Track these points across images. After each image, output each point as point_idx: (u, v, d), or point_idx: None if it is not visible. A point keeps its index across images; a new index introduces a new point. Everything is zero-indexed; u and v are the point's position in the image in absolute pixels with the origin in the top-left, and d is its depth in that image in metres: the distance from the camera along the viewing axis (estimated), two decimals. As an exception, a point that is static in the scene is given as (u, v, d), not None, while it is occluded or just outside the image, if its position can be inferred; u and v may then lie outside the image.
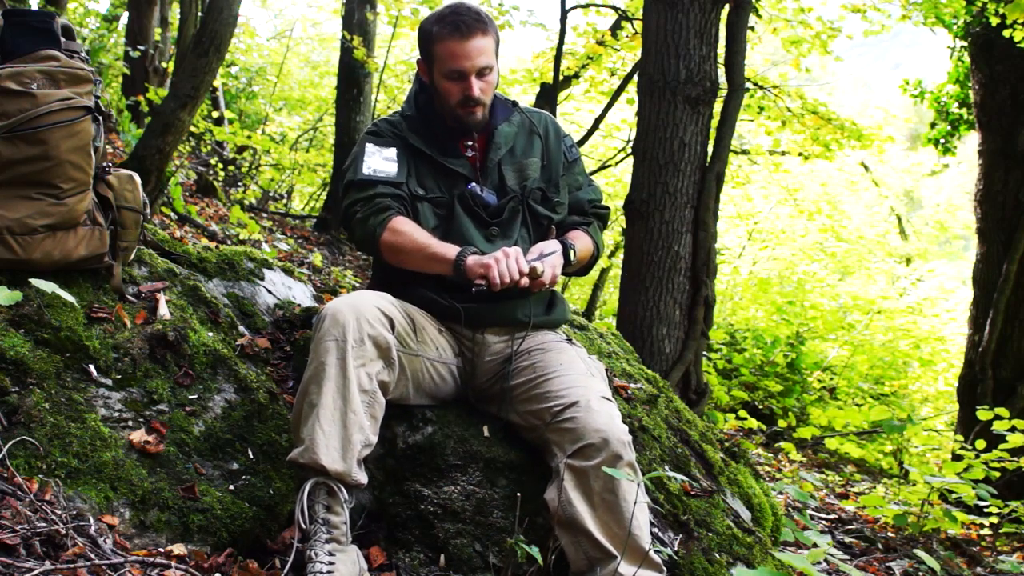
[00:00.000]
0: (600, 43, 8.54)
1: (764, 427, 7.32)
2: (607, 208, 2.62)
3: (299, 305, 2.81)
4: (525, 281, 2.15)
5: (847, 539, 4.23)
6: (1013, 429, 4.52)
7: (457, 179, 2.35)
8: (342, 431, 1.99)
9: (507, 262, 2.13)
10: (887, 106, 15.47)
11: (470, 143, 2.39)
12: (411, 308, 2.26)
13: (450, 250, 2.21)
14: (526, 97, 9.61)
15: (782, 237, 13.41)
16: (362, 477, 2.02)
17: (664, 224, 4.62)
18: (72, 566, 1.67)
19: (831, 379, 9.76)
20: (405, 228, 2.24)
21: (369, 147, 2.33)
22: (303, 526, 1.95)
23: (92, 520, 1.84)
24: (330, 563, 1.90)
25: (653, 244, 4.64)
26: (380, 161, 2.31)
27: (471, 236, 2.29)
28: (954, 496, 4.88)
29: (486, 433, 2.31)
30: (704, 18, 4.65)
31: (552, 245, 2.31)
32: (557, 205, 2.46)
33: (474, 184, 2.34)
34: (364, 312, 2.07)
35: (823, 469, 7.19)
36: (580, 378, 2.20)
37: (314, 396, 2.01)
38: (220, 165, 9.92)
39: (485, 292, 2.14)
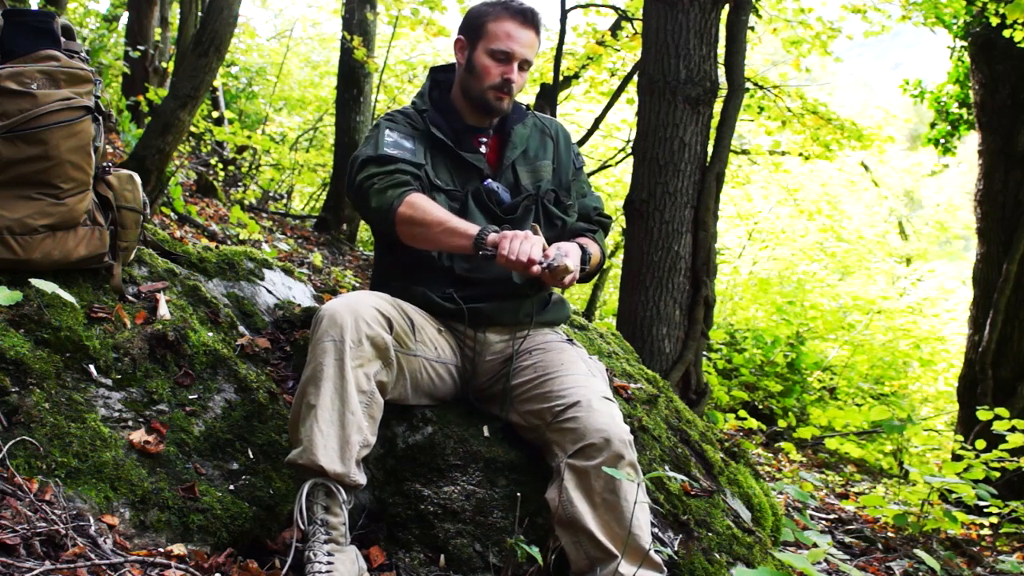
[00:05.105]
0: (600, 43, 8.53)
1: (764, 427, 7.32)
2: (610, 217, 2.65)
3: (299, 305, 2.81)
4: (536, 269, 2.10)
5: (847, 539, 4.23)
6: (1013, 429, 4.52)
7: (472, 174, 2.36)
8: (340, 432, 1.99)
9: (523, 242, 2.09)
10: (887, 106, 15.46)
11: (484, 140, 2.41)
12: (410, 308, 2.26)
13: (471, 226, 2.18)
14: (526, 97, 9.61)
15: (782, 237, 13.41)
16: (361, 478, 2.02)
17: (664, 224, 4.62)
18: (72, 566, 1.67)
19: (831, 379, 9.76)
20: (423, 203, 2.21)
21: (388, 130, 2.33)
22: (302, 527, 1.95)
23: (92, 520, 1.84)
24: (328, 563, 1.90)
25: (653, 244, 4.64)
26: (400, 142, 2.30)
27: None
28: (954, 496, 4.88)
29: (486, 433, 2.31)
30: (704, 18, 4.65)
31: (574, 248, 2.29)
32: (569, 208, 2.48)
33: (490, 180, 2.35)
34: (362, 313, 2.07)
35: (823, 469, 7.19)
36: (581, 378, 2.20)
37: (312, 397, 2.01)
38: (220, 165, 9.92)
39: (491, 256, 2.11)
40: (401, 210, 2.20)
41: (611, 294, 12.03)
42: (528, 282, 2.28)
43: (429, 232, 2.20)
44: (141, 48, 8.81)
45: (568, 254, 2.21)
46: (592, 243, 2.48)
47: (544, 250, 2.14)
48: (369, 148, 2.31)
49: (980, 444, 4.65)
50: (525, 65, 2.31)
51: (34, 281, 1.96)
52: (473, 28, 2.33)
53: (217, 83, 10.24)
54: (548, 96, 8.02)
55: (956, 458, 4.88)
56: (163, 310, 2.31)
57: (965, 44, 7.32)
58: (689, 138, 4.64)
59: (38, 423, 1.94)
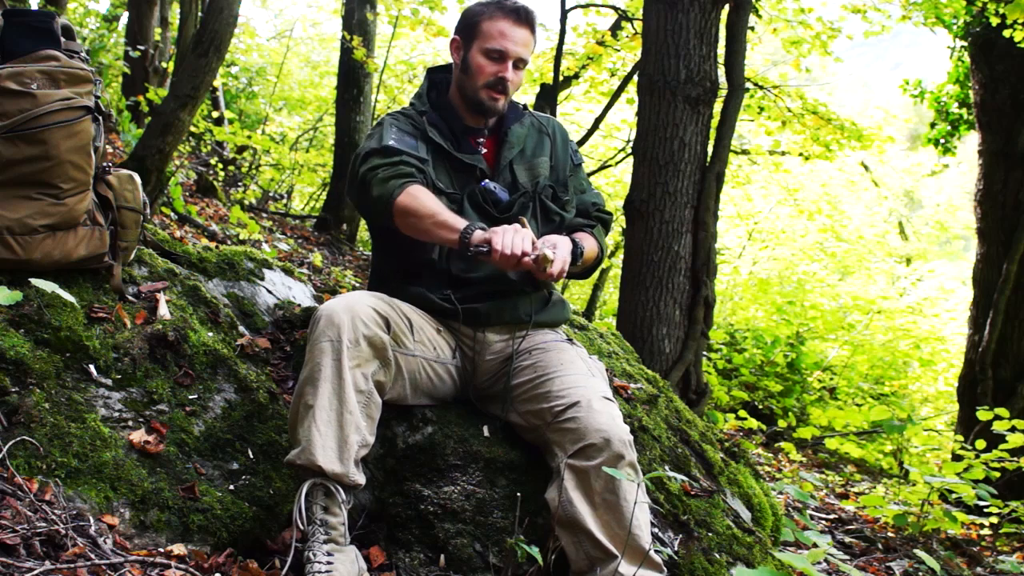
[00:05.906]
0: (600, 43, 8.54)
1: (764, 427, 7.32)
2: (610, 214, 2.63)
3: (299, 305, 2.81)
4: (528, 261, 2.09)
5: (847, 539, 4.23)
6: (1013, 429, 4.53)
7: (469, 176, 2.36)
8: (338, 432, 1.99)
9: (514, 236, 2.09)
10: (887, 106, 15.47)
11: (481, 140, 2.41)
12: (408, 308, 2.26)
13: (460, 221, 2.18)
14: (526, 97, 9.62)
15: (782, 237, 13.42)
16: (359, 478, 2.02)
17: (664, 224, 4.62)
18: (72, 566, 1.67)
19: (831, 379, 9.77)
20: (422, 195, 2.21)
21: (392, 127, 2.34)
22: (301, 527, 1.96)
23: (92, 520, 1.84)
24: (328, 563, 1.90)
25: (653, 244, 4.64)
26: (404, 138, 2.31)
27: None
28: (954, 496, 4.88)
29: (486, 433, 2.31)
30: (704, 18, 4.65)
31: (564, 240, 2.29)
32: (567, 204, 2.48)
33: (487, 181, 2.35)
34: (359, 313, 2.07)
35: (823, 469, 7.19)
36: (581, 378, 2.20)
37: (310, 397, 2.01)
38: (220, 165, 9.92)
39: (485, 254, 2.10)
40: (401, 199, 2.20)
41: (611, 294, 12.04)
42: (523, 278, 2.28)
43: (422, 223, 2.20)
44: (141, 48, 8.80)
45: (556, 246, 2.21)
46: (588, 237, 2.47)
47: (533, 243, 2.14)
48: (373, 142, 2.31)
49: (980, 444, 4.65)
50: (520, 64, 2.32)
51: (34, 281, 1.96)
52: (468, 27, 2.34)
53: (217, 83, 10.23)
54: (548, 96, 8.03)
55: (956, 458, 4.88)
56: (163, 310, 2.31)
57: (965, 44, 7.32)
58: (689, 138, 4.64)
59: (38, 423, 1.94)
